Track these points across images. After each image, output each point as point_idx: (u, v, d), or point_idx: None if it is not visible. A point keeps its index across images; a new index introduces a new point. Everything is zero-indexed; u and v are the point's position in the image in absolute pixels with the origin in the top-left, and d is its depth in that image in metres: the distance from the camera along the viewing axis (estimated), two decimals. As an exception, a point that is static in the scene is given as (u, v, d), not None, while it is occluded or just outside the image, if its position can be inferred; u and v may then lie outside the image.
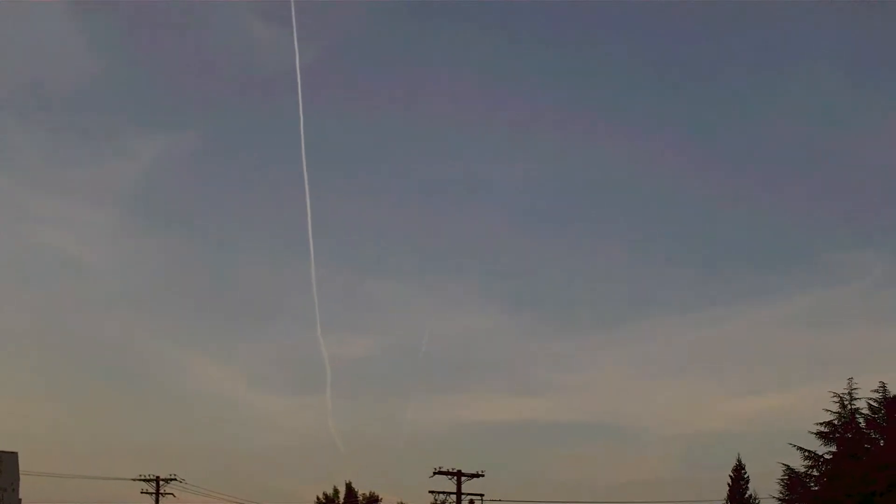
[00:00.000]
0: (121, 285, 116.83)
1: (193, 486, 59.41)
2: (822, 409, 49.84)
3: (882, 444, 47.72)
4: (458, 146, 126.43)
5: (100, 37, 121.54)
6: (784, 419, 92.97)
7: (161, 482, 58.41)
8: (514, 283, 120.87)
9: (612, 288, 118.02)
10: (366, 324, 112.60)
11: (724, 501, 58.83)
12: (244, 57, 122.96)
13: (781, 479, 50.59)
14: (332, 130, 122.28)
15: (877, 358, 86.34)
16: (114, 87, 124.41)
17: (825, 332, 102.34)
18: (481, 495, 50.08)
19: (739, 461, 59.44)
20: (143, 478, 58.17)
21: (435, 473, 49.25)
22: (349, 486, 74.13)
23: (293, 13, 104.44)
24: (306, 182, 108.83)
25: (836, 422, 49.41)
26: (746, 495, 58.56)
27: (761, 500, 57.39)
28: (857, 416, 49.23)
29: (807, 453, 49.68)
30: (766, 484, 59.03)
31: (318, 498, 73.99)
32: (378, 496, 74.20)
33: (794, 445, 50.08)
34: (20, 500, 61.14)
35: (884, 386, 48.81)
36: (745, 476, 59.03)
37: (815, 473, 49.69)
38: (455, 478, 49.45)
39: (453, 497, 49.44)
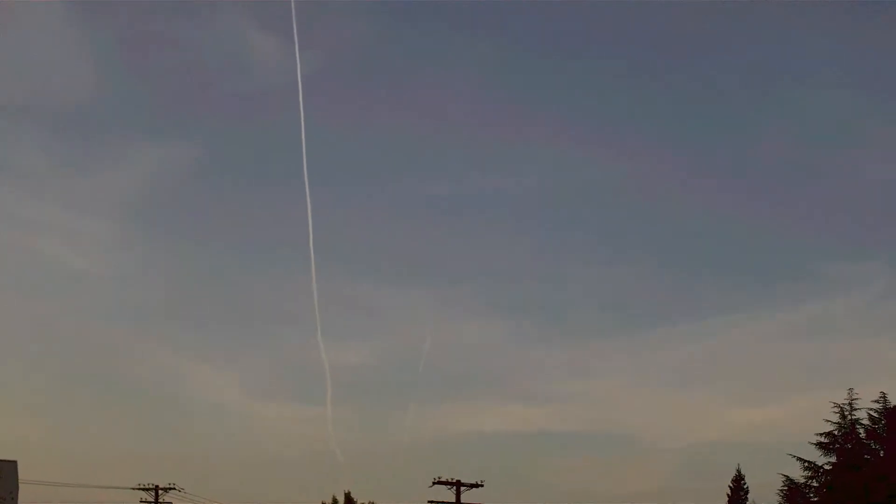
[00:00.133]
0: (120, 295, 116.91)
1: (192, 495, 59.32)
2: (822, 420, 49.92)
3: (882, 454, 47.68)
4: (459, 156, 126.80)
5: (100, 47, 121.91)
6: (784, 430, 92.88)
7: (160, 491, 58.25)
8: (514, 293, 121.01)
9: (612, 298, 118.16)
10: (366, 333, 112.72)
11: (724, 512, 58.85)
12: (245, 67, 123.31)
13: (781, 490, 50.53)
14: (334, 140, 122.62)
15: (877, 369, 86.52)
16: (113, 97, 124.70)
17: (825, 342, 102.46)
18: (480, 505, 50.04)
19: (739, 471, 59.44)
20: (142, 487, 58.03)
21: (434, 483, 49.12)
22: (348, 496, 73.98)
23: (294, 23, 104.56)
24: (307, 191, 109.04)
25: (836, 432, 49.38)
26: (746, 506, 58.54)
27: (761, 511, 57.39)
28: (858, 426, 49.21)
29: (806, 464, 49.64)
30: (765, 495, 58.95)
31: (317, 507, 73.89)
32: (377, 506, 74.05)
33: (794, 456, 50.14)
34: (19, 508, 61.07)
35: (884, 396, 48.86)
36: (745, 487, 58.95)
37: (815, 484, 49.62)
38: (454, 488, 49.31)
39: (453, 507, 49.37)
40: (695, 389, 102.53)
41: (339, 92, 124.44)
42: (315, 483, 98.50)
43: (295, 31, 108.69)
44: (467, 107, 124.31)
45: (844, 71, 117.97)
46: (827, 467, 49.26)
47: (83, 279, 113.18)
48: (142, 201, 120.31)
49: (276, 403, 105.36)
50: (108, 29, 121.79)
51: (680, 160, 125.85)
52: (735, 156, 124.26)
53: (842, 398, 49.77)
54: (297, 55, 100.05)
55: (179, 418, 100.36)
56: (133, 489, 58.10)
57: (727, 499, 59.08)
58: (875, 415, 48.92)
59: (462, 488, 49.40)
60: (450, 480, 49.38)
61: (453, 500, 49.25)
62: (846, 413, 49.47)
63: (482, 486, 49.57)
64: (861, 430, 49.15)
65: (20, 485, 60.64)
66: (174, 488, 58.49)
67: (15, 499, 60.56)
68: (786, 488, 50.24)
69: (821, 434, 49.53)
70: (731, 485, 59.41)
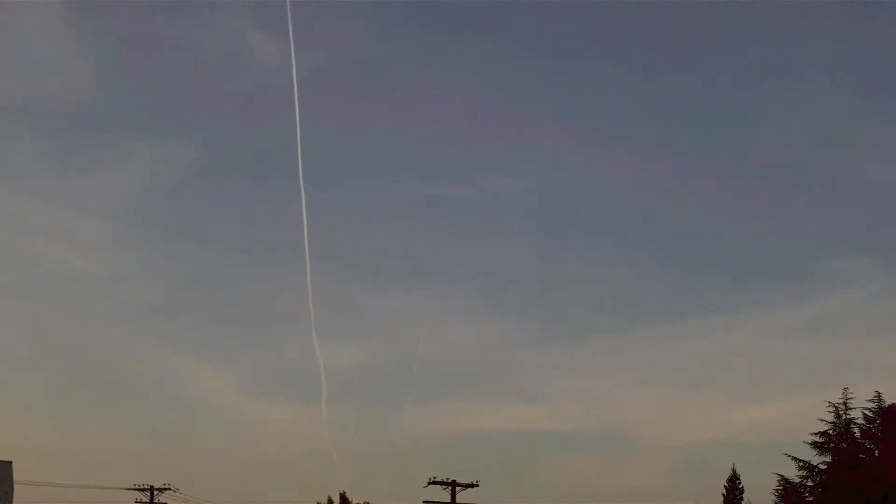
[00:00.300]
0: (117, 296, 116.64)
1: (188, 496, 59.27)
2: (817, 420, 50.00)
3: (877, 454, 47.76)
4: (455, 157, 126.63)
5: (98, 47, 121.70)
6: (779, 429, 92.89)
7: (155, 491, 58.23)
8: (512, 293, 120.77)
9: (608, 297, 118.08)
10: (361, 333, 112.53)
11: (719, 511, 58.82)
12: (243, 67, 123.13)
13: (776, 490, 50.65)
14: (330, 141, 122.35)
15: (872, 368, 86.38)
16: (112, 97, 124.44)
17: (821, 342, 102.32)
18: (476, 505, 50.01)
19: (734, 471, 59.34)
20: (137, 487, 58.02)
21: (430, 483, 49.07)
22: (343, 496, 74.00)
23: (290, 23, 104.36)
24: (303, 192, 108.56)
25: (830, 432, 49.47)
26: (741, 505, 58.53)
27: (756, 511, 57.40)
28: (852, 426, 49.29)
29: (801, 463, 49.73)
30: (760, 494, 58.85)
31: (312, 507, 73.86)
32: (372, 506, 74.03)
33: (789, 455, 50.20)
34: (14, 509, 60.93)
35: (879, 395, 49.02)
36: (740, 486, 58.86)
37: (810, 484, 49.73)
38: (450, 487, 49.24)
39: (448, 507, 49.34)
40: (693, 388, 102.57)
41: (337, 92, 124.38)
42: (310, 483, 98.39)
43: (291, 31, 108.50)
44: (464, 107, 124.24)
45: (844, 71, 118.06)
46: (822, 467, 49.35)
47: (80, 279, 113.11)
48: (139, 201, 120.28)
49: (271, 403, 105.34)
50: (107, 29, 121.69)
51: (680, 160, 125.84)
52: (735, 155, 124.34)
53: (837, 398, 49.96)
54: (293, 55, 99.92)
55: (175, 418, 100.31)
56: (128, 489, 58.15)
57: (722, 498, 59.04)
58: (870, 414, 49.01)
59: (458, 488, 49.37)
60: (445, 480, 49.32)
61: (449, 499, 49.20)
62: (841, 412, 49.57)
63: (477, 485, 49.55)
64: (856, 430, 49.23)
65: (15, 485, 60.51)
66: (169, 488, 58.49)
67: (10, 499, 60.41)
68: (781, 488, 50.33)
69: (816, 433, 49.63)
70: (726, 484, 59.31)
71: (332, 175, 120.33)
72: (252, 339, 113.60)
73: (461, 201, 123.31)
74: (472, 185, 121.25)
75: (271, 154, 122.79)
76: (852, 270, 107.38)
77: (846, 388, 49.81)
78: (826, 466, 49.10)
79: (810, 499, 49.18)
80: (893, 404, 47.88)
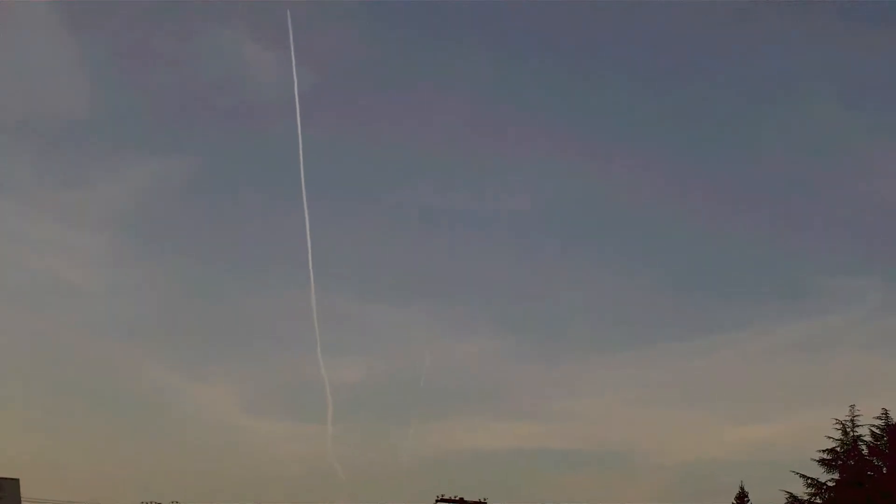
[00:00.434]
0: (117, 310, 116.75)
1: (195, 513, 59.38)
2: (824, 437, 50.01)
3: (885, 471, 47.73)
4: (456, 172, 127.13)
5: (96, 61, 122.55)
6: (785, 446, 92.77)
7: (163, 508, 58.42)
8: (515, 310, 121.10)
9: (612, 315, 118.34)
10: (366, 350, 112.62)
11: (727, 528, 58.74)
12: (242, 82, 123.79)
13: (784, 507, 50.58)
14: (331, 156, 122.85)
15: (873, 384, 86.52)
16: (110, 112, 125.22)
17: (825, 359, 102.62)
18: (483, 522, 50.03)
19: (742, 488, 59.29)
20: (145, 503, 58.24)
21: (438, 501, 49.18)
22: (350, 513, 73.91)
23: (291, 38, 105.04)
24: (305, 207, 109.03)
25: (838, 449, 49.46)
26: (749, 523, 58.46)
27: (764, 528, 57.35)
28: (860, 443, 49.30)
29: (809, 481, 49.66)
30: (768, 511, 58.97)
31: (318, 525, 73.73)
32: (378, 523, 73.98)
33: (797, 473, 50.17)
34: (21, 526, 60.94)
35: (886, 413, 48.92)
36: (748, 503, 58.89)
37: (818, 501, 49.60)
38: (458, 505, 49.40)
39: (456, 524, 49.37)
40: (695, 406, 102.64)
41: (337, 107, 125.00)
42: (315, 499, 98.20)
43: (292, 44, 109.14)
44: (466, 122, 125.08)
45: (847, 86, 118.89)
46: (830, 484, 49.30)
47: (79, 294, 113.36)
48: (138, 215, 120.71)
49: (276, 421, 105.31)
50: (105, 44, 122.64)
51: (681, 176, 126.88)
52: (734, 173, 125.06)
53: (843, 414, 49.98)
54: (294, 70, 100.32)
55: (180, 435, 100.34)
56: (136, 507, 58.33)
57: (731, 515, 59.04)
58: (877, 431, 49.00)
59: (465, 505, 49.48)
60: (453, 498, 49.46)
61: (457, 516, 49.32)
62: (848, 430, 49.56)
63: (485, 503, 49.66)
64: (863, 447, 49.22)
65: (23, 502, 60.62)
66: (177, 505, 58.66)
67: (17, 516, 60.53)
68: (789, 505, 50.28)
69: (823, 451, 49.62)
70: (734, 501, 59.22)
71: (332, 190, 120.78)
72: (255, 355, 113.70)
73: (461, 218, 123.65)
74: (476, 200, 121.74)
75: (272, 168, 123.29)
76: (851, 287, 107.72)
77: (853, 406, 49.97)
78: (834, 484, 49.06)
79: (818, 516, 49.18)
80: (901, 421, 48.03)
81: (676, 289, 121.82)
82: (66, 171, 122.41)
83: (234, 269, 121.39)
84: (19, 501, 60.25)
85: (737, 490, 59.27)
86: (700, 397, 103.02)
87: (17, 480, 61.12)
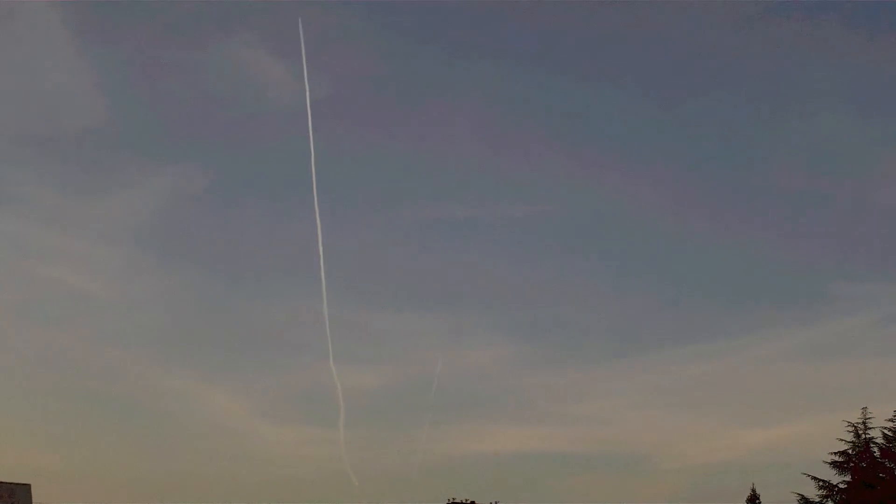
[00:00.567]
0: (131, 321, 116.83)
1: (206, 519, 59.46)
2: (836, 439, 49.97)
3: (897, 473, 47.73)
4: (468, 181, 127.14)
5: (108, 72, 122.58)
6: (796, 450, 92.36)
7: (175, 514, 58.54)
8: (526, 317, 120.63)
9: (623, 321, 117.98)
10: (378, 357, 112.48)
11: (739, 531, 58.60)
12: (254, 92, 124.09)
13: (796, 509, 50.50)
14: (343, 165, 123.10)
15: (886, 388, 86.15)
16: (122, 122, 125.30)
17: (833, 363, 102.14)
18: (495, 526, 50.11)
19: (754, 491, 59.04)
20: (157, 510, 58.39)
21: (449, 504, 49.34)
22: (361, 519, 74.05)
23: (303, 48, 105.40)
24: (317, 216, 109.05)
25: (850, 451, 49.41)
26: (761, 525, 58.31)
27: (776, 531, 57.22)
28: (872, 445, 49.24)
29: (821, 483, 49.61)
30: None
31: (330, 531, 73.84)
32: (390, 529, 74.08)
33: (808, 475, 50.10)
34: (33, 532, 61.09)
35: (898, 415, 48.92)
36: (760, 506, 58.79)
37: (830, 503, 49.58)
38: (469, 508, 49.48)
39: (467, 528, 49.44)
40: (707, 410, 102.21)
41: (350, 117, 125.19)
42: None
43: (304, 55, 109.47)
44: (477, 131, 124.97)
45: (858, 95, 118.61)
46: (842, 486, 49.22)
47: (94, 304, 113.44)
48: (152, 226, 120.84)
49: (289, 427, 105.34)
50: (119, 55, 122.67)
51: (691, 182, 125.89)
52: (746, 177, 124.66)
53: (854, 417, 49.98)
54: (307, 80, 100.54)
55: (193, 442, 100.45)
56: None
57: (743, 518, 58.90)
58: (889, 433, 48.96)
59: (477, 509, 49.55)
60: (465, 502, 49.56)
61: (468, 520, 49.39)
62: (860, 432, 49.53)
63: (497, 506, 49.75)
64: (875, 449, 49.16)
65: (34, 508, 60.81)
66: (189, 511, 58.80)
67: (29, 522, 60.68)
68: (801, 507, 50.21)
69: (835, 453, 49.58)
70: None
71: (345, 198, 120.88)
72: (268, 362, 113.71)
73: (475, 224, 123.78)
74: (486, 208, 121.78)
75: (285, 178, 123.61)
76: (864, 292, 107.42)
77: (865, 408, 49.92)
78: (846, 486, 49.00)
79: (831, 518, 49.10)
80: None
81: (689, 294, 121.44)
82: (82, 183, 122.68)
83: (247, 279, 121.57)
84: (31, 507, 60.46)
85: (748, 493, 59.26)
86: (712, 401, 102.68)
87: (28, 486, 61.32)
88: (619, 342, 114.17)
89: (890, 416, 49.16)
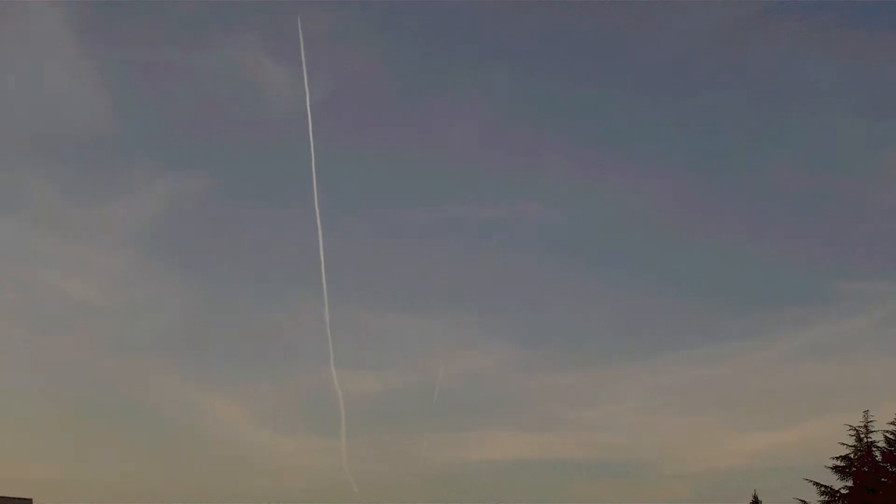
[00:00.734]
0: (132, 328, 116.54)
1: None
2: (838, 443, 49.69)
3: (899, 477, 47.50)
4: (469, 185, 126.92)
5: (109, 77, 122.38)
6: (799, 454, 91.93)
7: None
8: (529, 321, 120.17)
9: (623, 324, 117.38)
10: (379, 362, 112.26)
11: (742, 537, 58.42)
12: (254, 96, 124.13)
13: (798, 514, 50.29)
14: (344, 169, 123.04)
15: (889, 390, 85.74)
16: (123, 128, 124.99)
17: (836, 365, 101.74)
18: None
19: (756, 496, 58.88)
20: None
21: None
22: (363, 528, 73.81)
23: (302, 52, 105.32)
24: (318, 220, 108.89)
25: (852, 456, 49.15)
26: (763, 531, 58.10)
27: (779, 536, 57.00)
28: (874, 449, 49.01)
29: (823, 488, 49.32)
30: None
31: (332, 540, 73.69)
32: (393, 537, 73.84)
33: (810, 480, 49.87)
34: (35, 546, 61.03)
35: (900, 418, 48.71)
36: (762, 511, 58.57)
37: (833, 509, 49.41)
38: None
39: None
40: (707, 415, 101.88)
41: (350, 120, 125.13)
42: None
43: (304, 59, 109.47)
44: (479, 132, 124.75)
45: (861, 95, 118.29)
46: (844, 491, 48.99)
47: (94, 312, 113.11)
48: (154, 232, 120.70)
49: (290, 435, 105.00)
50: (121, 59, 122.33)
51: (695, 184, 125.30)
52: (744, 178, 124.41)
53: (857, 421, 49.71)
54: (307, 83, 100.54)
55: (194, 451, 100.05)
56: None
57: (745, 523, 58.71)
58: (891, 437, 48.67)
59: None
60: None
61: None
62: (862, 436, 49.28)
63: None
64: (877, 453, 48.91)
65: (36, 522, 60.76)
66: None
67: (31, 536, 60.62)
68: (803, 513, 50.00)
69: (837, 458, 49.34)
70: (748, 510, 59.06)
71: (345, 201, 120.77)
72: (269, 368, 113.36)
73: (478, 227, 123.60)
74: (489, 210, 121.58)
75: (286, 182, 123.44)
76: (864, 292, 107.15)
77: (867, 411, 49.67)
78: (848, 491, 48.76)
79: (833, 523, 48.86)
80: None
81: (691, 297, 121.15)
82: (84, 188, 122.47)
83: (246, 284, 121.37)
84: (32, 521, 60.41)
85: (750, 498, 59.06)
86: (714, 405, 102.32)
87: (29, 500, 61.28)
88: (623, 349, 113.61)
89: (892, 419, 48.93)
